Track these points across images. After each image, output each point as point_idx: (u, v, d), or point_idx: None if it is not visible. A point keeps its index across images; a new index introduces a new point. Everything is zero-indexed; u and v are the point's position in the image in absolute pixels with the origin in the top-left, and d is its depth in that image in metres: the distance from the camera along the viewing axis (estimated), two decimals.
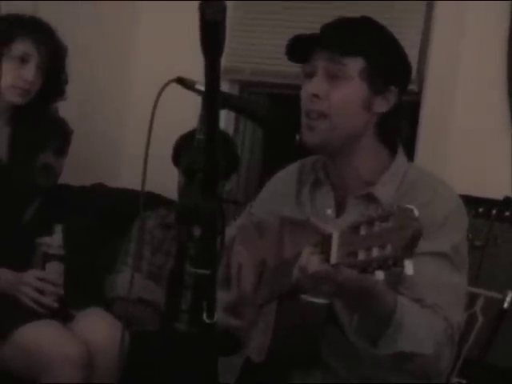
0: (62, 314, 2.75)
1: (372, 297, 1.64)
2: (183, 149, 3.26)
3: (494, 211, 2.92)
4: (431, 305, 1.79)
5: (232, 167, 3.33)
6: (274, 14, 3.96)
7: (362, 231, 1.43)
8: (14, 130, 2.86)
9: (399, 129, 2.00)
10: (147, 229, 3.34)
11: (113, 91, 4.08)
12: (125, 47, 4.15)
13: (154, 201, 3.46)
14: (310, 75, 1.94)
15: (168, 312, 3.07)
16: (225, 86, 3.95)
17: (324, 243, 1.55)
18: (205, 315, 1.50)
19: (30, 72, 2.75)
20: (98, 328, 2.72)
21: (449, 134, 3.37)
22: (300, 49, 1.94)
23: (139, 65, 4.17)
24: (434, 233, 1.81)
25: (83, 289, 3.00)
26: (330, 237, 1.52)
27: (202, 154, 1.41)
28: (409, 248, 1.36)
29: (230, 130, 4.07)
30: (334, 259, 1.50)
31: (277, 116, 1.74)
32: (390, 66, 1.94)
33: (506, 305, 2.67)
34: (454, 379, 2.41)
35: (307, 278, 1.59)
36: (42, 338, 2.59)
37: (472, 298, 2.17)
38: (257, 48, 4.01)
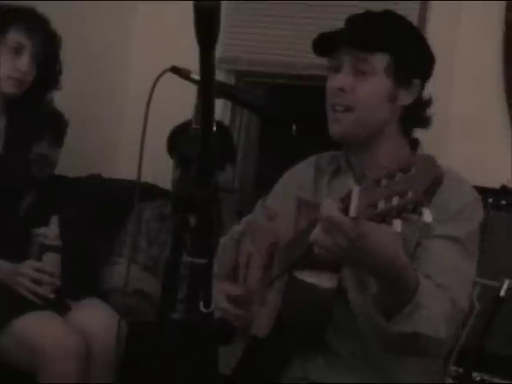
0: (59, 304, 2.75)
1: (395, 267, 1.63)
2: (178, 139, 3.26)
3: (490, 200, 2.92)
4: (440, 284, 1.80)
5: (228, 157, 3.32)
6: (271, 3, 3.95)
7: (383, 183, 1.43)
8: (9, 121, 2.85)
9: (422, 120, 2.04)
10: (143, 220, 3.34)
11: (109, 81, 4.08)
12: (121, 37, 4.15)
13: (150, 191, 3.46)
14: (335, 69, 1.98)
15: (164, 302, 3.07)
16: (221, 76, 3.95)
17: (345, 199, 1.53)
18: (201, 304, 1.50)
19: (24, 62, 2.75)
20: (95, 319, 2.72)
21: (446, 127, 3.39)
22: (326, 44, 1.98)
23: (136, 55, 4.17)
24: (450, 219, 1.86)
25: (80, 280, 2.99)
26: (350, 192, 1.52)
27: (197, 144, 1.40)
28: (429, 193, 1.37)
29: (227, 120, 4.07)
30: (353, 212, 1.49)
31: (273, 106, 1.74)
32: (414, 60, 1.99)
33: (502, 292, 2.69)
34: (451, 367, 2.43)
35: (324, 230, 1.56)
36: (38, 328, 2.58)
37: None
38: (253, 38, 4.01)
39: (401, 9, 3.58)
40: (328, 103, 1.99)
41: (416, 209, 1.38)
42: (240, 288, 2.02)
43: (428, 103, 2.04)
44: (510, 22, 3.42)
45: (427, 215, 1.39)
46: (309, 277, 1.82)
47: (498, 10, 3.45)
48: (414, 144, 2.05)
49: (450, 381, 2.59)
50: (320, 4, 3.80)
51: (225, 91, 1.71)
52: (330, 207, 1.54)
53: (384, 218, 1.42)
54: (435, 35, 3.47)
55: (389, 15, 2.03)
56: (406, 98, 1.98)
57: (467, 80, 3.48)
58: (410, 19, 3.49)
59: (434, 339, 1.76)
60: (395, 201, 1.39)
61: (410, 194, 1.37)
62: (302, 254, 1.79)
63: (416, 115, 2.02)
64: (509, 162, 3.38)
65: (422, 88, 2.02)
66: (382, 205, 1.41)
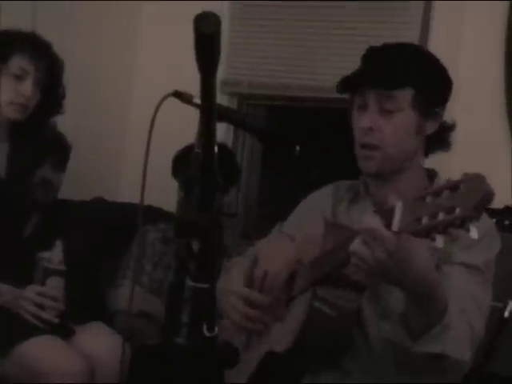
0: (63, 329, 2.74)
1: (427, 284, 1.65)
2: (181, 163, 3.26)
3: (493, 220, 2.92)
4: (460, 310, 1.80)
5: (231, 180, 3.33)
6: (272, 26, 3.97)
7: (428, 200, 1.43)
8: (13, 146, 2.86)
9: (446, 145, 2.07)
10: (148, 242, 3.34)
11: (112, 105, 4.09)
12: (125, 61, 4.16)
13: (155, 214, 3.46)
14: (362, 107, 2.00)
15: (168, 326, 3.07)
16: (223, 99, 3.96)
17: (387, 213, 1.53)
18: (205, 328, 1.50)
19: (27, 88, 2.76)
20: (99, 342, 2.72)
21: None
22: (350, 83, 2.00)
23: (139, 79, 4.18)
24: (470, 247, 1.87)
25: (84, 303, 3.00)
26: (392, 207, 1.51)
27: (199, 168, 1.41)
28: (478, 210, 1.37)
29: (230, 142, 4.07)
30: (395, 227, 1.49)
31: (274, 129, 1.75)
32: (437, 89, 2.01)
33: (506, 314, 2.68)
34: None
35: (364, 242, 1.57)
36: (42, 353, 2.58)
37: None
38: (254, 61, 4.02)
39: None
40: (357, 142, 2.01)
41: (464, 225, 1.38)
42: (258, 295, 2.02)
43: (452, 128, 2.07)
44: None
45: (474, 232, 1.38)
46: (331, 295, 1.83)
47: (501, 11, 3.45)
48: (432, 174, 2.07)
49: None
50: (323, 26, 3.82)
51: (226, 115, 1.72)
52: (372, 220, 1.56)
53: (428, 233, 1.42)
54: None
55: (407, 49, 2.06)
56: (431, 127, 2.01)
57: (470, 83, 3.47)
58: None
59: (460, 362, 1.78)
60: (441, 216, 1.38)
61: (458, 209, 1.36)
62: (327, 272, 1.80)
63: (439, 141, 2.05)
64: (510, 183, 3.37)
65: (444, 111, 2.04)
66: (426, 220, 1.41)
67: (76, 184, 3.54)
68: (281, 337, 1.95)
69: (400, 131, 1.98)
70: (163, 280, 3.28)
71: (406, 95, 1.97)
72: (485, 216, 1.97)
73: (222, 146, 3.08)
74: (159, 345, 3.09)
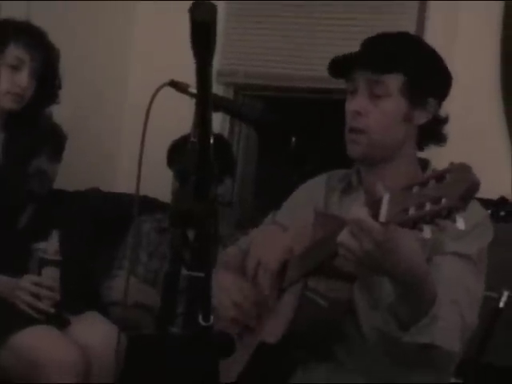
0: (58, 319, 2.75)
1: (416, 274, 1.64)
2: (177, 153, 3.26)
3: (489, 211, 2.93)
4: (450, 300, 1.80)
5: (227, 169, 3.33)
6: (268, 16, 3.96)
7: (415, 190, 1.43)
8: (8, 136, 2.85)
9: (439, 138, 2.06)
10: (143, 233, 3.34)
11: (108, 95, 4.08)
12: (120, 49, 4.15)
13: (150, 205, 3.46)
14: (352, 92, 2.01)
15: (163, 316, 3.07)
16: (219, 90, 3.95)
17: (374, 204, 1.54)
18: (201, 318, 1.50)
19: (23, 78, 2.75)
20: (95, 332, 2.72)
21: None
22: (341, 66, 2.00)
23: (135, 68, 4.18)
24: (462, 237, 1.86)
25: (79, 294, 3.00)
26: (380, 198, 1.52)
27: (195, 157, 1.41)
28: (464, 200, 1.36)
29: (225, 132, 4.07)
30: (382, 217, 1.49)
31: (271, 119, 1.74)
32: (429, 79, 2.00)
33: (501, 304, 2.69)
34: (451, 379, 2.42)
35: (352, 233, 1.57)
36: (38, 343, 2.58)
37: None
38: (251, 51, 4.01)
39: (399, 8, 3.64)
40: (346, 126, 2.01)
41: (450, 215, 1.38)
42: (248, 284, 2.03)
43: (445, 121, 2.06)
44: (509, 22, 3.41)
45: (460, 223, 1.38)
46: (323, 286, 1.83)
47: (496, 10, 3.45)
48: (425, 164, 2.07)
49: None
50: (318, 17, 3.81)
51: (222, 105, 1.72)
52: (360, 211, 1.55)
53: (415, 224, 1.42)
54: (434, 35, 3.49)
55: (402, 36, 2.07)
56: (421, 118, 2.00)
57: (465, 82, 3.47)
58: (409, 19, 3.53)
59: (449, 352, 1.79)
60: (428, 207, 1.38)
61: (444, 200, 1.36)
62: (318, 263, 1.80)
63: (432, 133, 2.04)
64: (506, 172, 3.37)
65: (439, 106, 2.03)
66: (413, 211, 1.41)
67: (71, 175, 3.54)
68: (272, 328, 1.96)
69: (387, 117, 1.97)
70: (158, 270, 3.28)
71: (395, 81, 1.96)
72: (478, 206, 1.97)
73: (218, 136, 3.07)
74: (155, 335, 3.10)
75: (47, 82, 2.85)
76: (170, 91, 1.69)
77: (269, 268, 2.00)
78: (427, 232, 1.40)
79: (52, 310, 2.72)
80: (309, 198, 2.17)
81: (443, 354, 1.78)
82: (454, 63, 3.48)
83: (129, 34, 4.18)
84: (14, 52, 2.75)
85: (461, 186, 1.36)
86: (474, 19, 3.49)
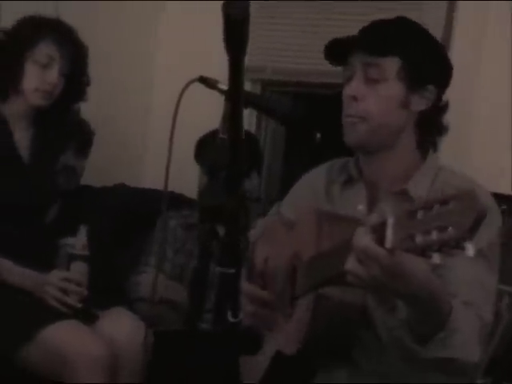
0: (86, 314, 2.76)
1: (430, 294, 1.62)
2: (205, 148, 3.26)
3: (504, 207, 2.91)
4: (466, 301, 1.78)
5: (254, 165, 3.32)
6: (296, 12, 3.95)
7: (420, 215, 1.40)
8: (37, 133, 2.87)
9: (439, 127, 2.03)
10: (169, 229, 3.34)
11: (135, 91, 4.10)
12: (147, 47, 4.16)
13: (176, 201, 3.46)
14: (349, 78, 1.98)
15: (192, 312, 3.07)
16: (247, 85, 3.95)
17: (378, 228, 1.51)
18: (229, 314, 1.49)
19: (53, 75, 2.76)
20: (122, 328, 2.73)
21: (468, 131, 3.37)
22: (338, 51, 1.98)
23: (162, 65, 4.18)
24: None
25: (107, 289, 3.01)
26: (384, 222, 1.49)
27: (225, 153, 1.41)
28: (473, 230, 1.34)
29: (252, 128, 4.08)
30: (388, 243, 1.46)
31: (298, 115, 1.74)
32: (427, 65, 1.97)
33: None
34: (480, 380, 2.40)
35: (359, 260, 1.55)
36: (65, 338, 2.59)
37: (496, 295, 2.18)
38: (278, 47, 4.01)
39: (428, 9, 3.61)
40: (343, 112, 1.99)
41: (459, 244, 1.35)
42: (263, 291, 2.00)
43: (444, 109, 2.02)
44: None
45: (470, 250, 1.36)
46: (337, 292, 1.81)
47: None
48: (424, 152, 2.03)
49: None
50: (345, 13, 3.80)
51: (250, 100, 1.71)
52: (364, 238, 1.52)
53: (423, 252, 1.40)
54: (463, 35, 3.47)
55: (401, 20, 2.02)
56: (419, 104, 1.97)
57: (493, 81, 3.45)
58: (437, 20, 3.49)
59: (469, 363, 1.76)
60: (434, 235, 1.36)
61: (451, 229, 1.34)
62: (330, 276, 1.76)
63: (432, 122, 2.00)
64: None
65: (440, 95, 2.00)
66: (420, 238, 1.39)
67: (99, 170, 3.56)
68: (287, 337, 1.93)
69: (383, 102, 1.94)
70: (184, 266, 3.28)
71: (391, 64, 1.93)
72: (482, 193, 1.90)
73: (246, 132, 3.07)
74: (182, 330, 3.10)
75: (75, 78, 2.86)
76: (198, 87, 1.69)
77: (276, 276, 1.97)
78: (436, 258, 1.38)
79: (79, 305, 2.74)
80: (310, 189, 2.14)
81: (463, 365, 1.75)
82: (483, 62, 3.48)
83: (156, 30, 4.19)
84: (45, 50, 2.76)
85: (469, 215, 1.33)
86: (503, 18, 3.46)
